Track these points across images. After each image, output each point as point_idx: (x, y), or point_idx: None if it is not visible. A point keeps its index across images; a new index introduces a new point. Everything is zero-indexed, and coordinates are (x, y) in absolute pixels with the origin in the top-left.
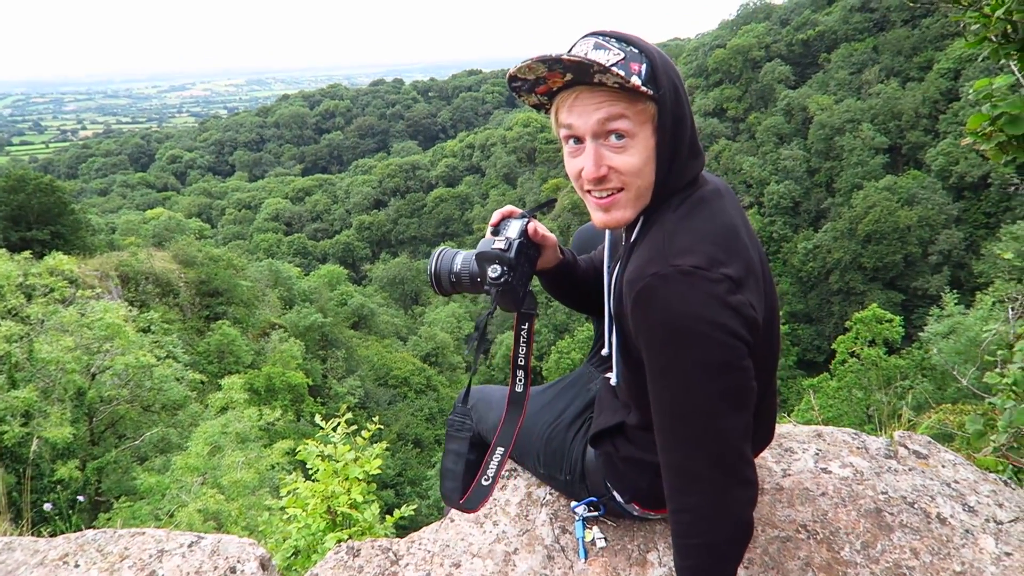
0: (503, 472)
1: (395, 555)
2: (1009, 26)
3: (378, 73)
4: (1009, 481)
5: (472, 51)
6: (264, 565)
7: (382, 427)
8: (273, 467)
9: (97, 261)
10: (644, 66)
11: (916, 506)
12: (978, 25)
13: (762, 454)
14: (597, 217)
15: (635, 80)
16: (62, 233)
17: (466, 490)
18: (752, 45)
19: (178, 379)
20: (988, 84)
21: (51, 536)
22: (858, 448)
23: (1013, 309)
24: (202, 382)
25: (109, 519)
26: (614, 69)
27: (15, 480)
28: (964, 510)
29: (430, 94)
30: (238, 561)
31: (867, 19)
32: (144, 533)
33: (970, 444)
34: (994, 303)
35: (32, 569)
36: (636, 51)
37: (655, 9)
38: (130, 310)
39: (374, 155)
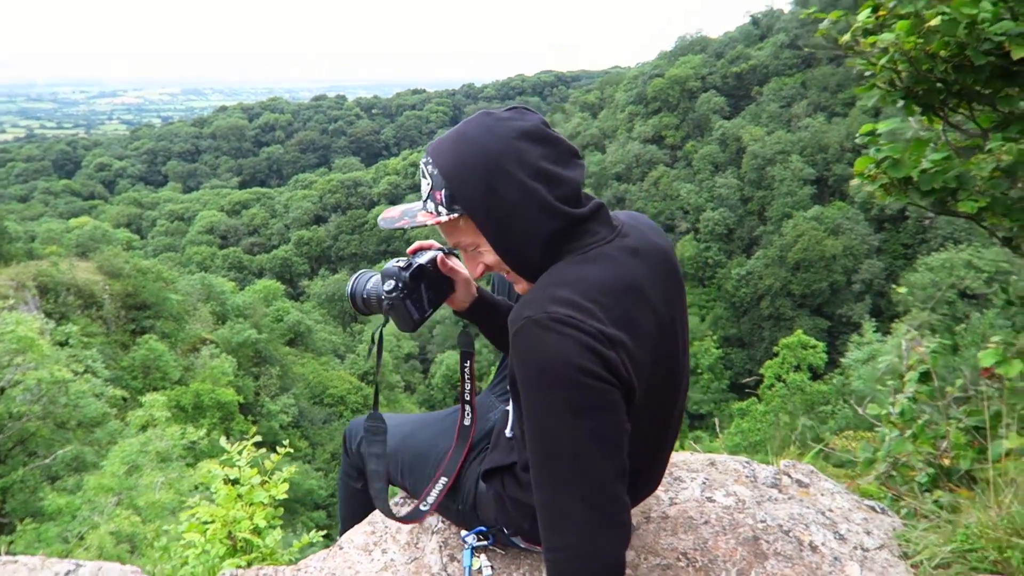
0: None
1: None
2: (895, 75)
3: (320, 89)
4: (886, 508)
5: (417, 72)
6: None
7: (292, 451)
8: (196, 488)
9: (13, 270)
10: (443, 191)
11: (791, 534)
12: (869, 72)
13: None
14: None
15: (441, 216)
16: None
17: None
18: (689, 76)
19: (97, 395)
20: (872, 129)
21: None
22: (747, 477)
23: (907, 341)
24: (124, 398)
25: (11, 543)
26: (420, 216)
27: None
28: (835, 538)
29: (373, 111)
30: None
31: (796, 55)
32: (16, 561)
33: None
34: (907, 331)
35: None
36: (436, 173)
37: (594, 37)
38: (46, 322)
39: (315, 170)
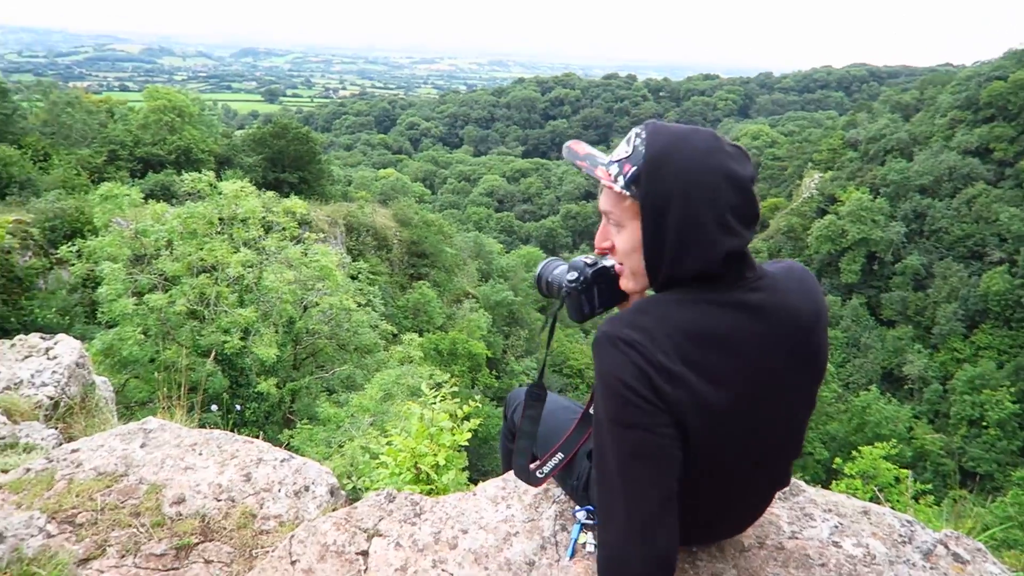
0: (553, 474)
1: (420, 509)
2: None
3: (614, 67)
4: None
5: (711, 56)
6: (332, 491)
7: (479, 404)
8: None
9: (331, 208)
10: (634, 168)
11: None
12: None
13: (777, 512)
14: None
15: (618, 185)
16: (307, 179)
17: (535, 457)
18: None
19: (372, 326)
20: None
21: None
22: (899, 536)
23: None
24: (394, 334)
25: (291, 436)
26: (598, 170)
27: (228, 383)
28: None
29: (660, 94)
30: (313, 483)
31: None
32: (253, 443)
33: None
34: None
35: (172, 448)
36: (641, 151)
37: (923, 27)
38: (343, 257)
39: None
